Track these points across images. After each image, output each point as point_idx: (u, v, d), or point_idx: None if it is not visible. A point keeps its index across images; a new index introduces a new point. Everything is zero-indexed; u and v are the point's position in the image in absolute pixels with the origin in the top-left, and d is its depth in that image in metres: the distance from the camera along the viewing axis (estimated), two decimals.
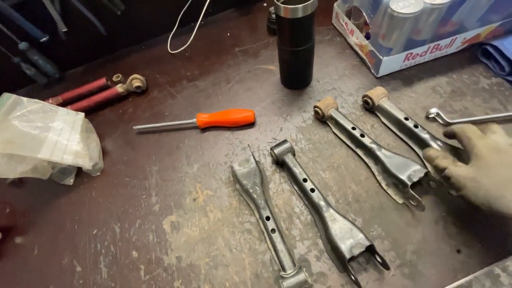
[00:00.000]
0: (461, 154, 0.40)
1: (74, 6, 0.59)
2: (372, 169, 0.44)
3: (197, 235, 0.44)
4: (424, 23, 0.46)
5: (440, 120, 0.47)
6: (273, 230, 0.39)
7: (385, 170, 0.41)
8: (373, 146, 0.43)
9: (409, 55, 0.51)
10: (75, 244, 0.46)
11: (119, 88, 0.62)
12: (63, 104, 0.62)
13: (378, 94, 0.48)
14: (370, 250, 0.36)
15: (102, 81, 0.64)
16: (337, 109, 0.49)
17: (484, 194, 0.31)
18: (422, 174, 0.38)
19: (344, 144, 0.48)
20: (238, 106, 0.57)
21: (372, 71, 0.56)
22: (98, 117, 0.62)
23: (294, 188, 0.45)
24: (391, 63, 0.52)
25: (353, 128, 0.46)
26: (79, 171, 0.54)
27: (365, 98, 0.50)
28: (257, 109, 0.56)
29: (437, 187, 0.40)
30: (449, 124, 0.46)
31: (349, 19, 0.59)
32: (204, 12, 0.66)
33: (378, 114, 0.50)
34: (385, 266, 0.35)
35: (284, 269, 0.36)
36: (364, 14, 0.52)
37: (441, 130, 0.45)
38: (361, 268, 0.37)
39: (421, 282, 0.36)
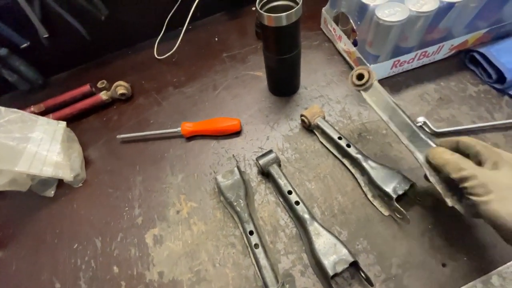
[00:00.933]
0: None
1: (56, 11, 0.57)
2: (358, 180, 0.43)
3: (180, 249, 0.43)
4: (411, 30, 0.46)
5: (427, 129, 0.46)
6: (256, 245, 0.38)
7: (371, 182, 0.41)
8: (359, 156, 0.43)
9: (396, 62, 0.51)
10: (55, 259, 0.45)
11: (103, 96, 0.60)
12: (46, 111, 0.60)
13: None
14: (356, 265, 0.35)
15: (86, 87, 0.62)
16: (324, 117, 0.48)
17: None
18: (407, 187, 0.38)
19: (331, 153, 0.47)
20: (225, 113, 0.56)
21: None
22: (82, 125, 0.61)
23: (279, 200, 0.44)
24: (378, 70, 0.51)
25: (339, 138, 0.45)
26: (60, 182, 0.52)
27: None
28: (244, 117, 0.55)
29: (422, 200, 0.40)
30: (436, 133, 0.46)
31: (337, 24, 0.58)
32: (191, 16, 0.64)
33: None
34: (369, 282, 0.34)
35: (266, 286, 0.35)
36: (351, 20, 0.51)
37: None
38: (346, 283, 0.37)
39: None
